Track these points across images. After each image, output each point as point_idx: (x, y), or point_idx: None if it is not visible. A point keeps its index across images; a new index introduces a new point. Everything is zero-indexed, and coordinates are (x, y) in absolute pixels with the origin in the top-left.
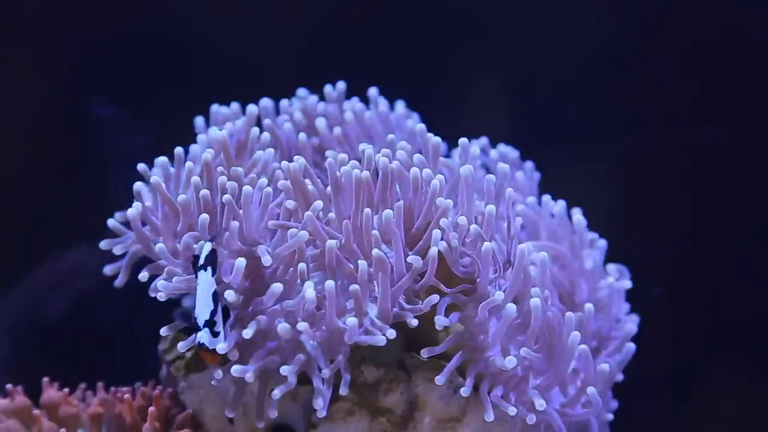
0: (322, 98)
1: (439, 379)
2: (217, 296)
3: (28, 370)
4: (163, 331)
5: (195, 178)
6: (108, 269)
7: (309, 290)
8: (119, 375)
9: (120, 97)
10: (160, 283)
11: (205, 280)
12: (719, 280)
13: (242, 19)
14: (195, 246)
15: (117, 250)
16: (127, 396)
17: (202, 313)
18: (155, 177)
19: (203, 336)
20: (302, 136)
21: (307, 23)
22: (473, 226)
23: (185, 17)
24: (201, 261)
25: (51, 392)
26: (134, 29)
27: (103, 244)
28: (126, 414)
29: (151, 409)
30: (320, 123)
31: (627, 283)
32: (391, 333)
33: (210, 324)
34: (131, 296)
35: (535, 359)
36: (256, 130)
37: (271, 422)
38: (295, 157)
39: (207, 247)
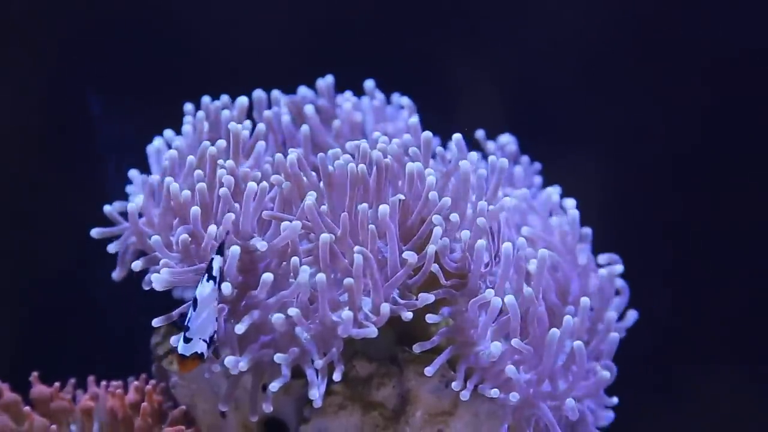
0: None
1: (429, 371)
2: (214, 311)
3: (15, 365)
4: (156, 322)
5: (198, 172)
6: (114, 274)
7: (303, 275)
8: (110, 369)
9: (114, 91)
10: (154, 275)
11: (208, 291)
12: (716, 277)
13: (237, 14)
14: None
15: (111, 248)
16: (119, 391)
17: (191, 320)
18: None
19: (176, 339)
20: (305, 128)
21: (303, 19)
22: (481, 219)
23: (181, 11)
24: (214, 272)
25: (41, 387)
26: (128, 23)
27: (95, 233)
28: (118, 409)
29: (144, 404)
30: (308, 109)
31: (618, 268)
32: (386, 308)
33: (185, 329)
34: (121, 289)
35: (525, 352)
36: (247, 122)
37: (263, 416)
38: (290, 150)
39: (218, 260)
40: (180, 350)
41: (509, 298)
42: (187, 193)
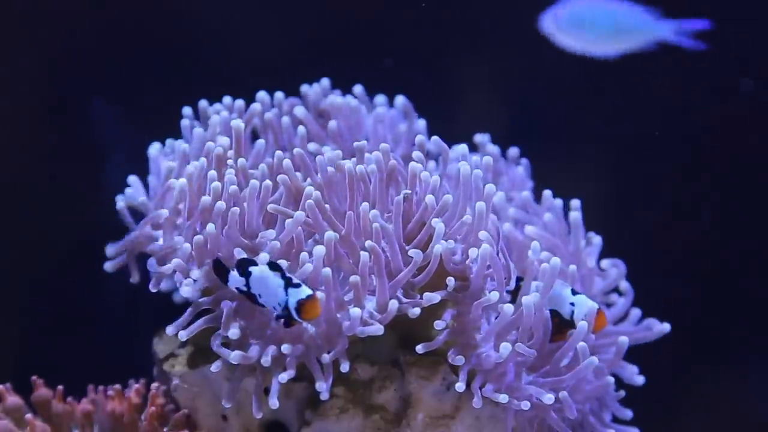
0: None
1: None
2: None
3: (15, 367)
4: (170, 330)
5: (212, 172)
6: (109, 266)
7: (320, 247)
8: (109, 372)
9: (115, 93)
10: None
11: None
12: (717, 277)
13: (236, 16)
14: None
15: (109, 267)
16: (117, 394)
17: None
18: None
19: (295, 293)
20: (301, 129)
21: (302, 21)
22: (483, 233)
23: (181, 12)
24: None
25: (42, 390)
26: (130, 25)
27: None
28: (118, 412)
29: (152, 408)
30: (299, 111)
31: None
32: (393, 304)
33: (288, 283)
34: (120, 292)
35: (528, 356)
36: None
37: (264, 419)
38: (295, 150)
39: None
40: (304, 294)
41: (526, 300)
42: (207, 199)
